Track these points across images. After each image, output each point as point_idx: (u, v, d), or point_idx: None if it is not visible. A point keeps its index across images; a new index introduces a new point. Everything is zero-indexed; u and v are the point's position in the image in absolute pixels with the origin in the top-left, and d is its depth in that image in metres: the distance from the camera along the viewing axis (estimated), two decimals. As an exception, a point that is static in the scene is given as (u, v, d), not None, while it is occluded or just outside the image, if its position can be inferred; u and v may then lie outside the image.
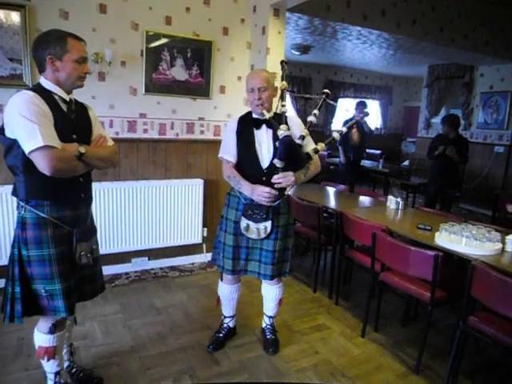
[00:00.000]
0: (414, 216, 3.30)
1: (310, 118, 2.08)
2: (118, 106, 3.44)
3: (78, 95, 3.24)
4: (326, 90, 2.17)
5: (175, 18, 3.54)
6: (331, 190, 4.36)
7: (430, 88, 8.73)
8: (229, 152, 2.31)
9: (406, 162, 9.35)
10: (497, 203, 4.74)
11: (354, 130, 5.72)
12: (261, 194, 2.13)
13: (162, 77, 3.56)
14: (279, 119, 2.14)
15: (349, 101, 10.10)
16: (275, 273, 2.35)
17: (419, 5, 4.92)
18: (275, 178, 2.07)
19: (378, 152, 9.31)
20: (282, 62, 2.29)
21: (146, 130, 3.60)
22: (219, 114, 3.93)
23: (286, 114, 2.18)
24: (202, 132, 3.87)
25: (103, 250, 3.49)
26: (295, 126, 2.22)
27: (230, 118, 3.92)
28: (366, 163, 7.83)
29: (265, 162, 2.23)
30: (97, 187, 3.39)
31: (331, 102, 2.13)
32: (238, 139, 2.28)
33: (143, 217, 3.65)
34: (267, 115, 2.15)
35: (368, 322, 2.87)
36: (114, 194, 3.49)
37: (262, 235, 2.26)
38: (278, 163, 2.01)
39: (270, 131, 2.24)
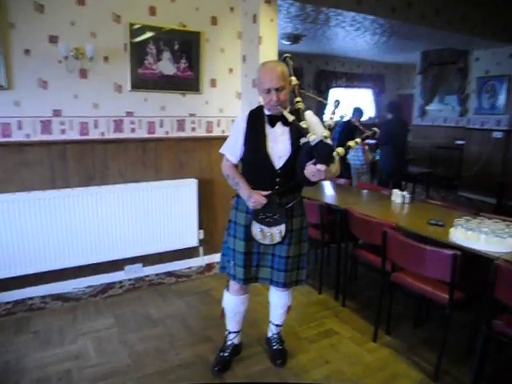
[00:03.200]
0: (423, 210, 3.13)
1: (329, 122, 1.89)
2: (102, 105, 3.21)
3: (59, 94, 3.05)
4: (338, 99, 2.01)
5: (160, 7, 3.30)
6: (331, 185, 4.17)
7: (423, 75, 8.57)
8: (231, 150, 2.17)
9: (402, 151, 9.20)
10: (502, 191, 4.59)
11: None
12: (254, 206, 2.04)
13: (148, 72, 3.33)
14: (296, 116, 1.93)
15: (340, 90, 9.95)
16: (288, 280, 2.16)
17: (415, -13, 4.72)
18: (312, 166, 1.74)
19: (373, 142, 9.13)
20: (285, 59, 2.08)
21: (133, 130, 3.37)
22: (211, 110, 3.71)
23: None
24: (193, 129, 3.66)
25: (94, 258, 3.30)
26: (315, 123, 2.06)
27: (223, 113, 3.76)
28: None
29: (279, 162, 2.03)
30: (84, 193, 3.18)
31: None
32: (246, 139, 2.09)
33: (135, 221, 3.43)
34: (289, 117, 1.92)
35: (378, 323, 2.71)
36: (103, 199, 3.27)
37: (277, 239, 2.08)
38: (322, 168, 1.76)
39: (287, 129, 2.04)
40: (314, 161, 1.73)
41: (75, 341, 2.60)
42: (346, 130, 5.64)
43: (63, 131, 3.10)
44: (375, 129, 1.97)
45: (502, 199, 4.77)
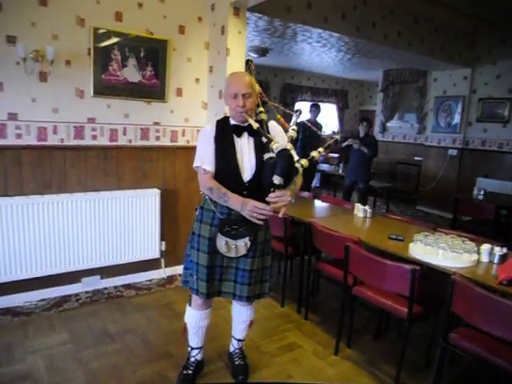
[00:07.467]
0: (383, 224, 3.20)
1: (291, 133, 1.91)
2: (62, 110, 3.09)
3: (15, 97, 2.90)
4: (299, 109, 2.07)
5: (126, 13, 3.24)
6: (295, 198, 4.20)
7: (384, 92, 8.88)
8: (207, 160, 2.03)
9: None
10: (457, 207, 4.79)
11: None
12: (253, 209, 1.87)
13: (112, 78, 3.25)
14: (260, 127, 1.94)
15: (306, 104, 10.10)
16: (252, 294, 2.13)
17: (378, 8, 4.90)
18: (272, 197, 1.81)
19: (336, 155, 9.34)
20: (247, 62, 2.09)
21: (95, 137, 3.26)
22: (176, 119, 3.66)
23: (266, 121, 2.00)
24: (157, 138, 3.59)
25: (49, 270, 3.13)
26: (278, 135, 2.03)
27: (188, 122, 3.71)
28: (324, 167, 7.82)
29: (247, 175, 2.00)
30: (40, 200, 3.03)
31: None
32: (216, 147, 2.03)
33: (94, 231, 3.30)
34: (254, 124, 1.92)
35: (340, 336, 2.72)
36: (61, 208, 3.13)
37: (242, 252, 2.04)
38: (277, 180, 1.76)
39: (252, 139, 2.03)
40: (274, 177, 1.75)
41: (25, 359, 2.44)
42: (308, 131, 5.64)
43: (19, 136, 2.95)
44: (336, 136, 2.01)
45: (457, 214, 4.96)
